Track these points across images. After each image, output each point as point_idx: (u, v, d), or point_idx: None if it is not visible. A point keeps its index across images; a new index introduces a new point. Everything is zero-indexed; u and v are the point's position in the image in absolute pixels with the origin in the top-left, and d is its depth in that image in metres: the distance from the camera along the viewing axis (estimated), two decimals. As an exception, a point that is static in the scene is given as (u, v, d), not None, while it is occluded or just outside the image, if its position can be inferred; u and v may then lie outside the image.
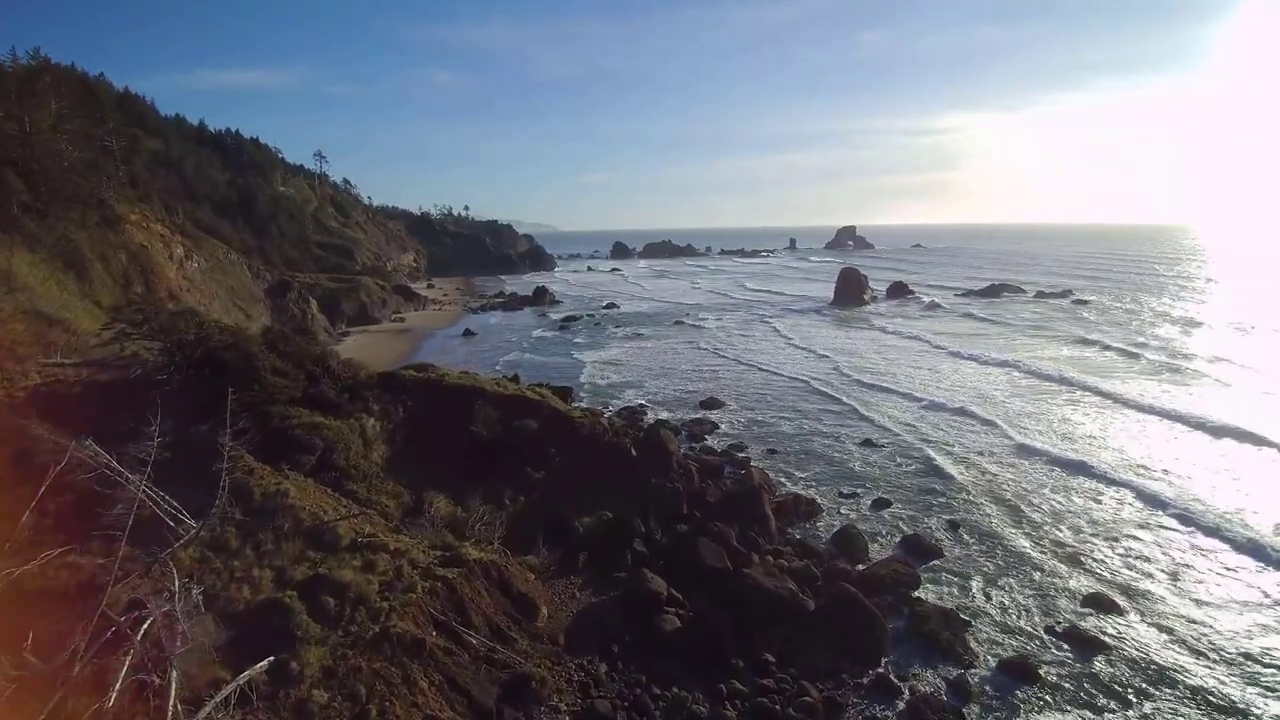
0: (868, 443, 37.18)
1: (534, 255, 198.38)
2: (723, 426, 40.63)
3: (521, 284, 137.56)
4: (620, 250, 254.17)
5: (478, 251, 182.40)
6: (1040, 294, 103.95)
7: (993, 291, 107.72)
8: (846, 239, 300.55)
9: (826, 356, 60.09)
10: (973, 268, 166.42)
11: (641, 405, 45.99)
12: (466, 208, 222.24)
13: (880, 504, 29.53)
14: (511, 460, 25.94)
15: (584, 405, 41.93)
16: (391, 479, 24.45)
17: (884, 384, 49.93)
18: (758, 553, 23.92)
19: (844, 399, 45.63)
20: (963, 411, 42.27)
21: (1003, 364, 54.59)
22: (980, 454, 35.19)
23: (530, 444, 26.60)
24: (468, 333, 79.72)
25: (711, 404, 45.40)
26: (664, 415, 43.65)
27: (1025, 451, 35.40)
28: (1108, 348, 60.80)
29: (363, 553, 18.78)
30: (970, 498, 29.93)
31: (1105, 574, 23.78)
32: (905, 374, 53.01)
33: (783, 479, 32.51)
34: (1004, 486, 31.06)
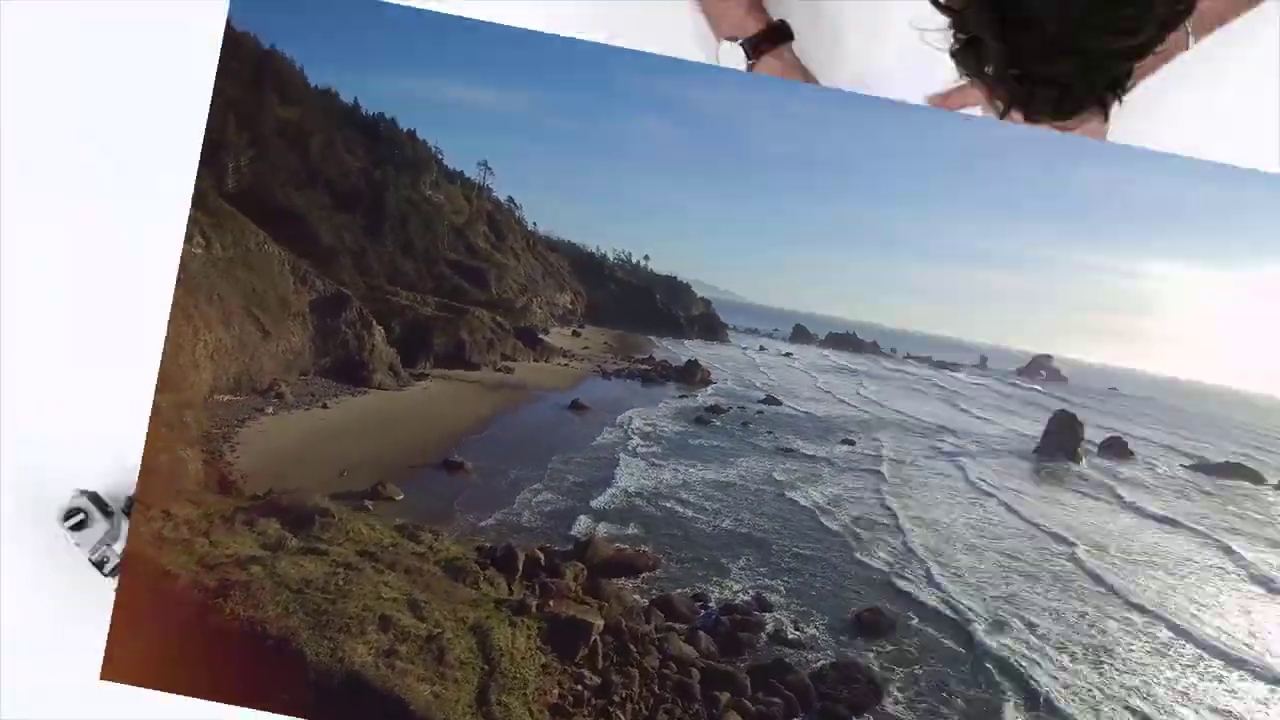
0: None
1: (706, 321, 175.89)
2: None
3: (680, 352, 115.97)
4: (800, 334, 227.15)
5: (645, 305, 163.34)
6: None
7: (1228, 471, 75.54)
8: (1040, 368, 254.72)
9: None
10: (1190, 430, 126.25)
11: (760, 598, 20.43)
12: (647, 257, 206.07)
13: None
14: None
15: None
16: None
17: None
18: None
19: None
20: None
21: None
22: None
23: None
24: (576, 405, 57.35)
25: (875, 626, 19.05)
26: (799, 637, 18.00)
27: None
28: None
29: None
30: None
31: None
32: None
33: None
34: None
